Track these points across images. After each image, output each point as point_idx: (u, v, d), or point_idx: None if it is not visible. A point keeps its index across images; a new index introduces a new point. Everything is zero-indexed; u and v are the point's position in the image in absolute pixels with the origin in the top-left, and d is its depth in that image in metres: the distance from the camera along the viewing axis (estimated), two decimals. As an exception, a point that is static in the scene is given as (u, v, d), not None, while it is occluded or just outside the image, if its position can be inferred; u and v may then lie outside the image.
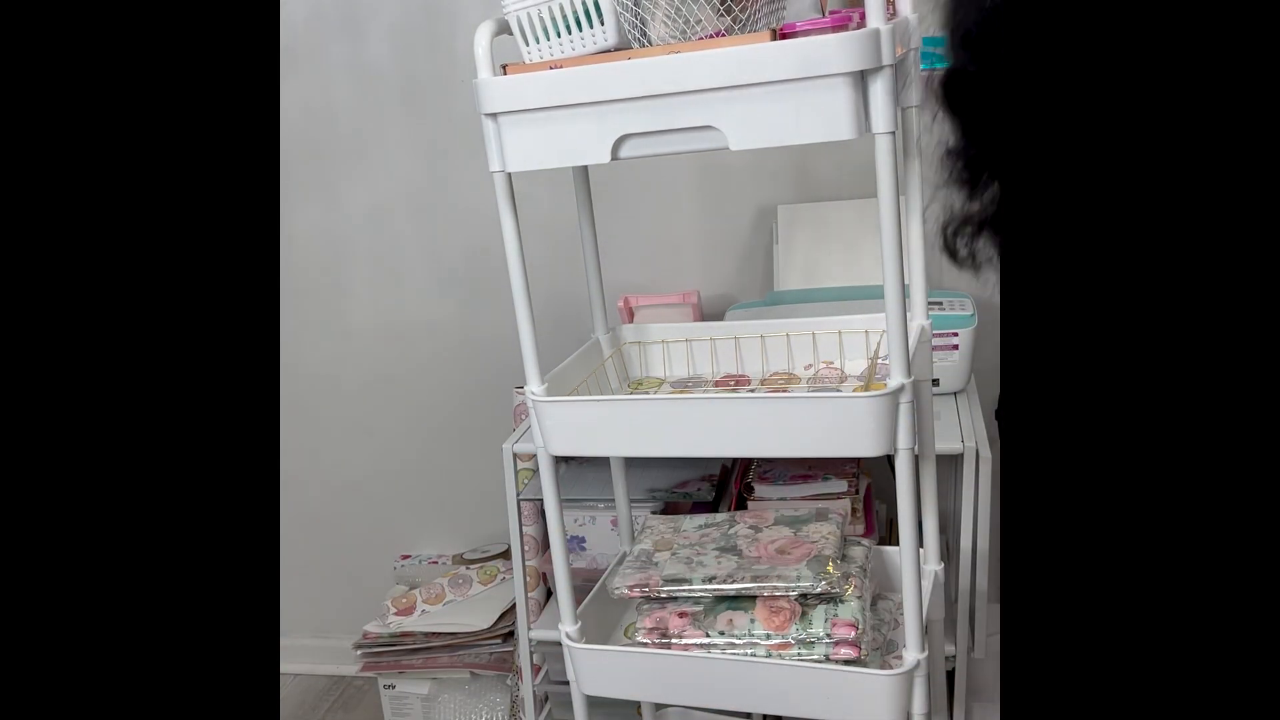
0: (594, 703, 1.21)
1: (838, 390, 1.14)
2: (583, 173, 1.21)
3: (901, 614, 1.07)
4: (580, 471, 1.68)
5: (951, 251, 0.63)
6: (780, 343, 1.23)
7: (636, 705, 1.59)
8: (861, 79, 0.87)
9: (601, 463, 1.62)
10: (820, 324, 1.22)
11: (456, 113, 1.86)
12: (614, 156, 0.96)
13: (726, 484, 1.61)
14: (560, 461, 1.51)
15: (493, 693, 1.93)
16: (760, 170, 1.75)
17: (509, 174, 1.02)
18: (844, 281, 1.59)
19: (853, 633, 1.06)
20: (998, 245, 0.59)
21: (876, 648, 1.13)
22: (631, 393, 1.26)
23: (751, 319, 1.30)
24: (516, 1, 0.97)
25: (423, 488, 2.11)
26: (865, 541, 1.22)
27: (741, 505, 1.50)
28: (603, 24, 0.95)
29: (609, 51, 0.96)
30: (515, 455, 1.58)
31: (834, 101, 0.87)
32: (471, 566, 1.99)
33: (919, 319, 1.15)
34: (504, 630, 1.87)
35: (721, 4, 0.92)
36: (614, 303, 1.66)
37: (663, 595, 1.13)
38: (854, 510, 1.45)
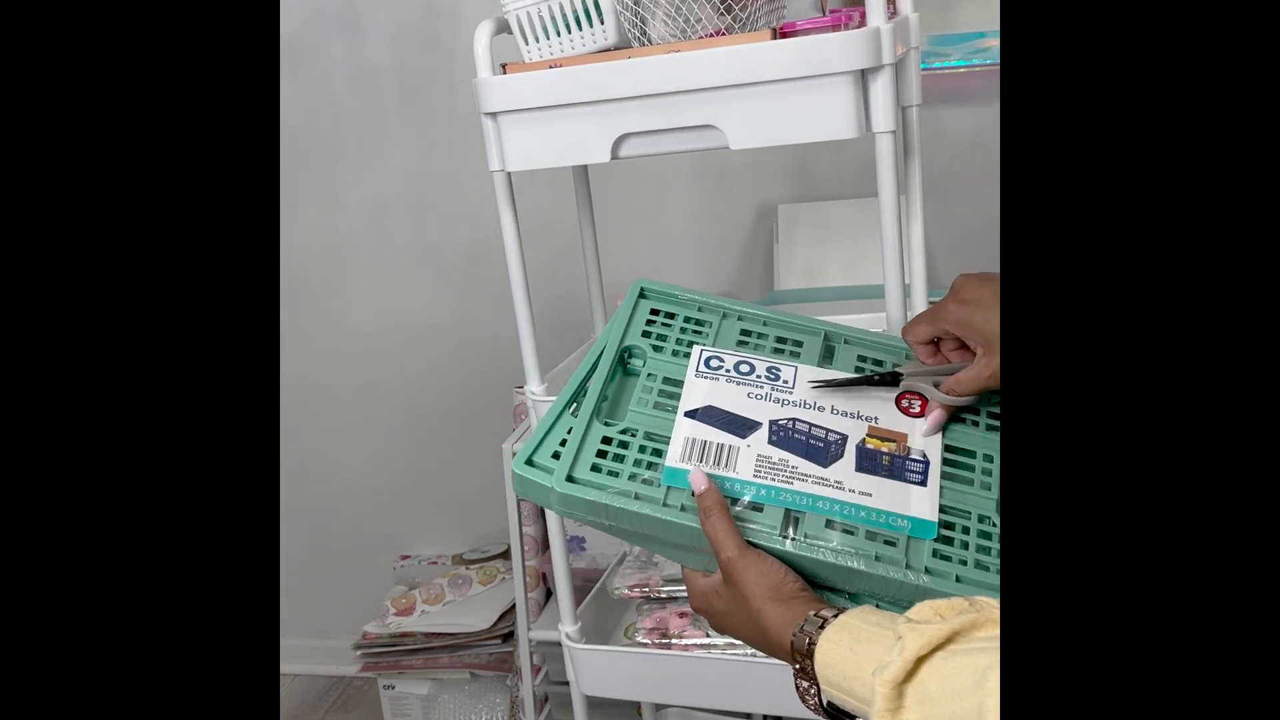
0: (594, 703, 1.21)
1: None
2: (582, 172, 1.21)
3: (902, 614, 1.07)
4: (580, 471, 1.68)
5: None
6: (780, 342, 1.23)
7: (636, 705, 1.59)
8: (862, 78, 0.87)
9: (601, 462, 1.62)
10: (820, 324, 1.21)
11: (456, 112, 1.86)
12: (614, 156, 0.96)
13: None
14: (560, 461, 1.51)
15: (493, 693, 1.93)
16: (760, 170, 1.75)
17: (509, 173, 1.02)
18: (844, 281, 1.58)
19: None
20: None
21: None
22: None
23: (751, 319, 1.29)
24: (516, 0, 0.97)
25: (423, 488, 2.11)
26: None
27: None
28: (602, 23, 0.95)
29: (609, 50, 0.96)
30: (515, 455, 1.57)
31: (834, 101, 0.87)
32: (471, 566, 1.99)
33: (919, 318, 1.15)
34: (504, 630, 1.86)
35: (721, 3, 0.92)
36: (614, 303, 1.65)
37: (663, 595, 1.13)
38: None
